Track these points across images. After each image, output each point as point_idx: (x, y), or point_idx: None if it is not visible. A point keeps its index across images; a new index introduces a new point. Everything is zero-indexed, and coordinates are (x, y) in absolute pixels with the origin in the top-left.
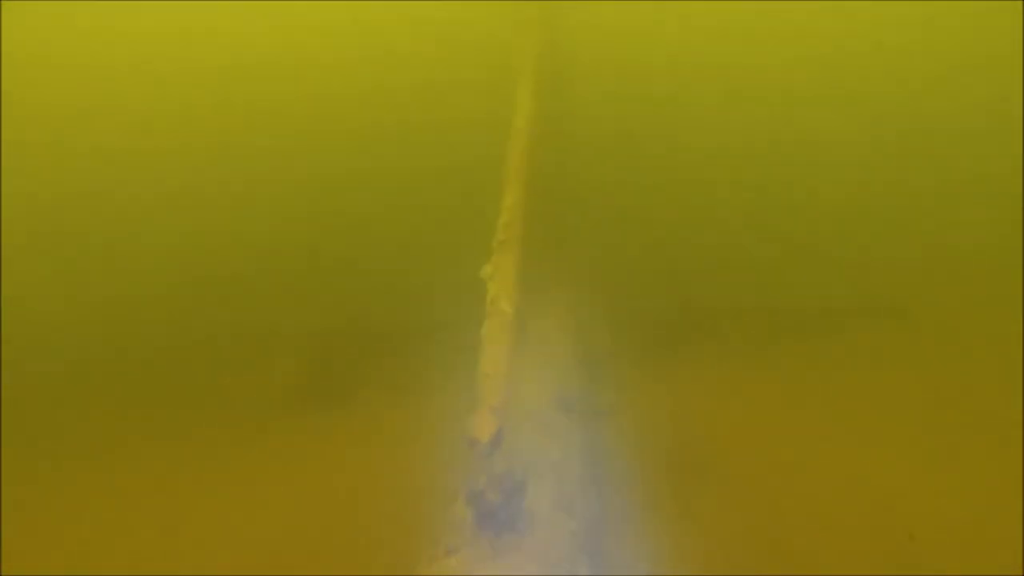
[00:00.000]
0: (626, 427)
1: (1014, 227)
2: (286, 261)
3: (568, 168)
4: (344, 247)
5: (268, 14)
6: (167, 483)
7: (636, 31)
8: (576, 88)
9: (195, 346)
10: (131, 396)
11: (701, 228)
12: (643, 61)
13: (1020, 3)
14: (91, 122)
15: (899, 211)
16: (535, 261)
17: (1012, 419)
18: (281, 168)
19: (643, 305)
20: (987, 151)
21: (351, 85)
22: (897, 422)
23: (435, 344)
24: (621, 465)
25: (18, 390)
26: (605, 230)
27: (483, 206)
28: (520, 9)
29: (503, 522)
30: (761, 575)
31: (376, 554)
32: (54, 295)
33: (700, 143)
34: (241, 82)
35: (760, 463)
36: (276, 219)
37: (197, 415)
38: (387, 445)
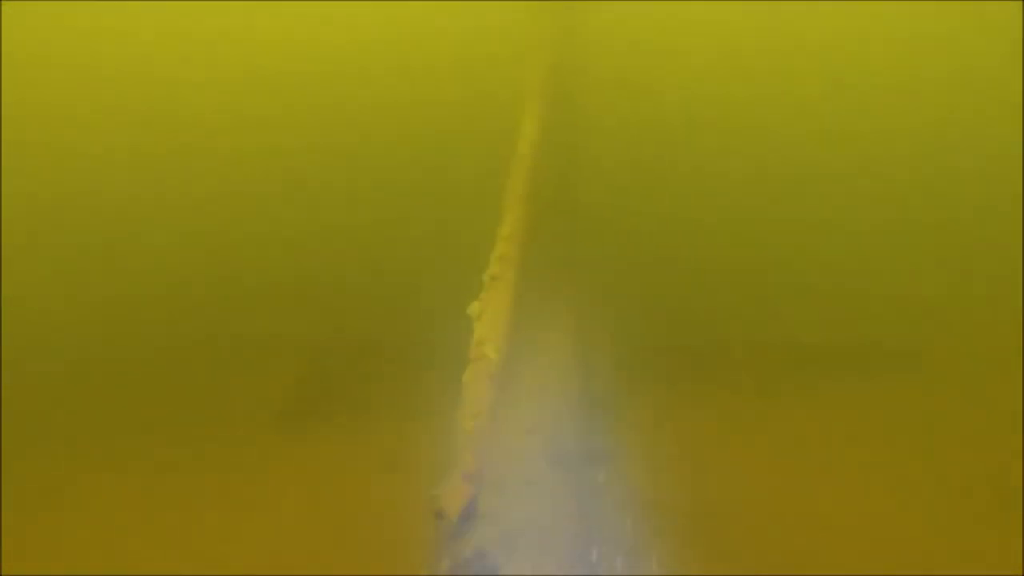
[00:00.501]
0: (625, 477)
1: None
2: (279, 274)
3: (572, 197)
4: (340, 261)
5: (271, 18)
6: (155, 492)
7: (651, 53)
8: (584, 113)
9: (186, 357)
10: (120, 407)
11: (712, 263)
12: (657, 86)
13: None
14: (90, 124)
15: (916, 250)
16: (531, 294)
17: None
18: (277, 178)
19: (647, 343)
20: (999, 193)
21: (355, 97)
22: (909, 469)
23: (430, 363)
24: (620, 525)
25: (11, 397)
26: (608, 264)
27: (483, 226)
28: (529, 29)
29: None
30: None
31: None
32: (42, 307)
33: (714, 173)
34: (242, 89)
35: (774, 517)
36: (270, 231)
37: (188, 426)
38: (377, 465)
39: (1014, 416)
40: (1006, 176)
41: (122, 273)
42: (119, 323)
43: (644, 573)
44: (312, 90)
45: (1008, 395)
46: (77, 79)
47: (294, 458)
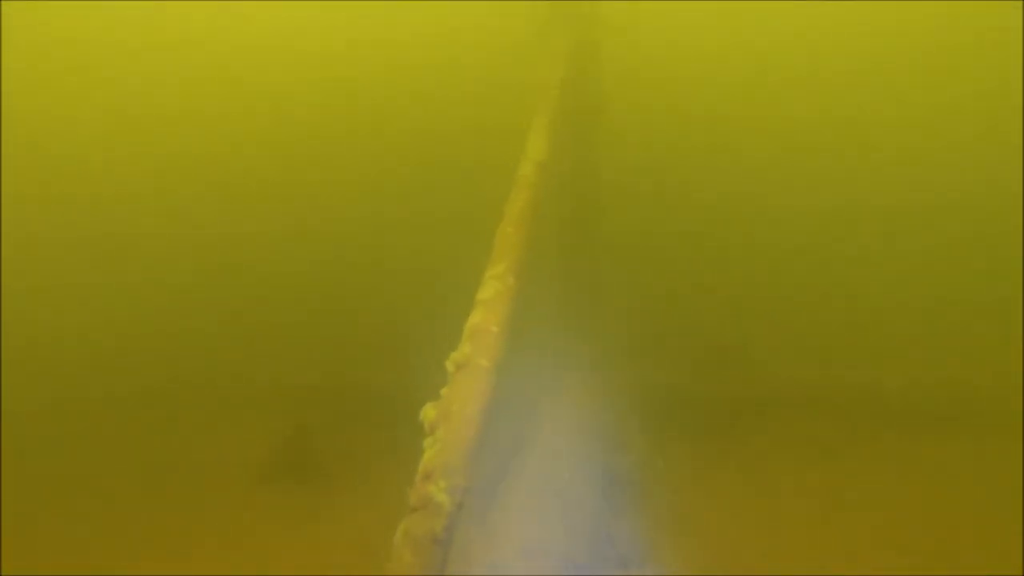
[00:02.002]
0: (651, 546)
1: None
2: (268, 321)
3: (583, 231)
4: (333, 307)
5: (278, 24)
6: (140, 550)
7: (679, 60)
8: (599, 128)
9: (172, 407)
10: (103, 460)
11: (747, 302)
12: (685, 98)
13: None
14: (85, 139)
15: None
16: (531, 345)
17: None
18: (267, 221)
19: (673, 393)
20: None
21: (349, 126)
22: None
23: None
24: None
25: None
26: (628, 305)
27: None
28: (537, 34)
29: None
30: None
31: None
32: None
33: (751, 200)
34: (239, 119)
35: None
36: (261, 276)
37: (173, 482)
38: (364, 525)
39: None
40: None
41: (101, 317)
42: (98, 369)
43: None
44: (306, 123)
45: None
46: (77, 81)
47: (286, 514)
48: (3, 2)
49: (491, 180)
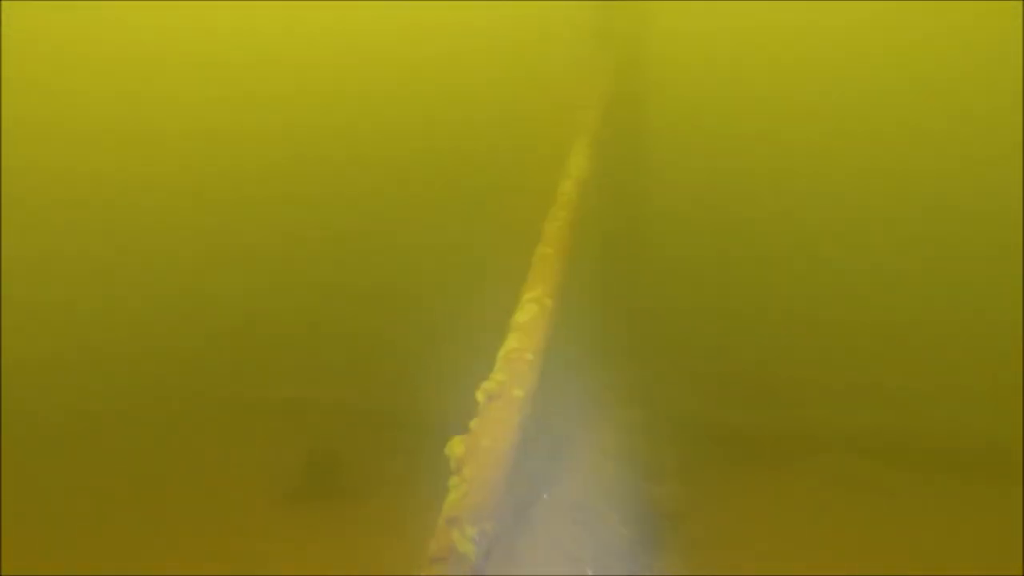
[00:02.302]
0: None
1: None
2: (289, 335)
3: (624, 250)
4: (356, 323)
5: (285, 24)
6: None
7: (723, 86)
8: (643, 152)
9: (186, 423)
10: (113, 477)
11: (803, 332)
12: (730, 122)
13: None
14: (86, 146)
15: None
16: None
17: None
18: (287, 230)
19: (716, 423)
20: None
21: (385, 140)
22: None
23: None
24: None
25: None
26: (662, 324)
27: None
28: (586, 57)
29: None
30: None
31: None
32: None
33: (808, 226)
34: (249, 139)
35: None
36: (279, 287)
37: (187, 503)
38: (392, 546)
39: None
40: None
41: (116, 328)
42: (113, 382)
43: None
44: (331, 136)
45: None
46: (79, 81)
47: (304, 538)
48: (3, 1)
49: (530, 198)
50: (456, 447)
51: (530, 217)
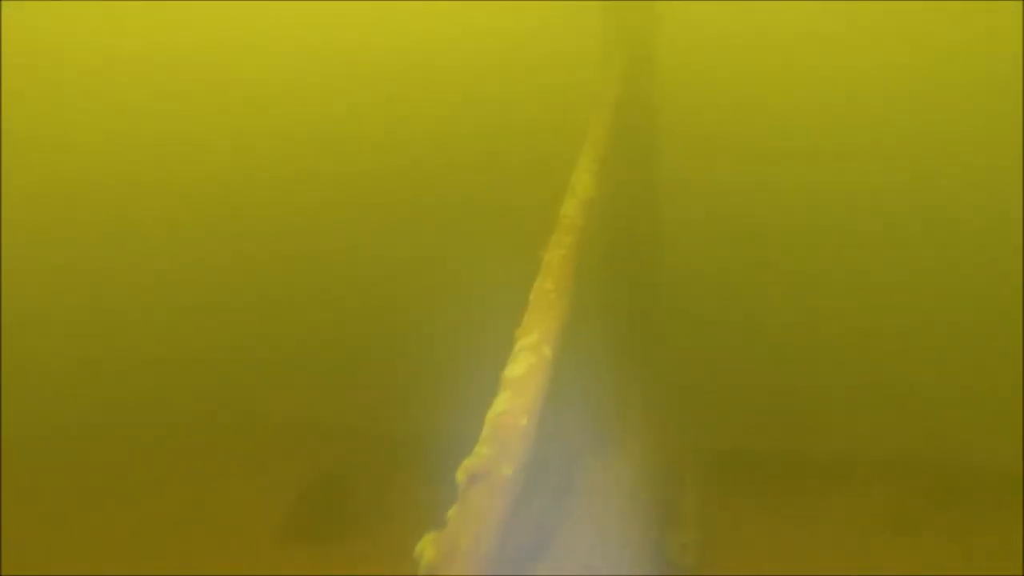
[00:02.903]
0: None
1: None
2: (292, 357)
3: (636, 279)
4: (358, 343)
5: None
6: None
7: (742, 94)
8: (657, 167)
9: (185, 447)
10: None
11: (832, 358)
12: (752, 133)
13: None
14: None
15: None
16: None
17: None
18: (291, 243)
19: (733, 453)
20: None
21: (373, 154)
22: None
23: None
24: None
25: None
26: (679, 359)
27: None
28: (591, 62)
29: None
30: None
31: None
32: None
33: (825, 246)
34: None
35: None
36: (284, 304)
37: (184, 535)
38: None
39: None
40: None
41: (104, 346)
42: (103, 405)
43: None
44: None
45: None
46: (80, 83)
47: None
48: (3, 1)
49: (528, 221)
50: (427, 549)
51: (528, 244)
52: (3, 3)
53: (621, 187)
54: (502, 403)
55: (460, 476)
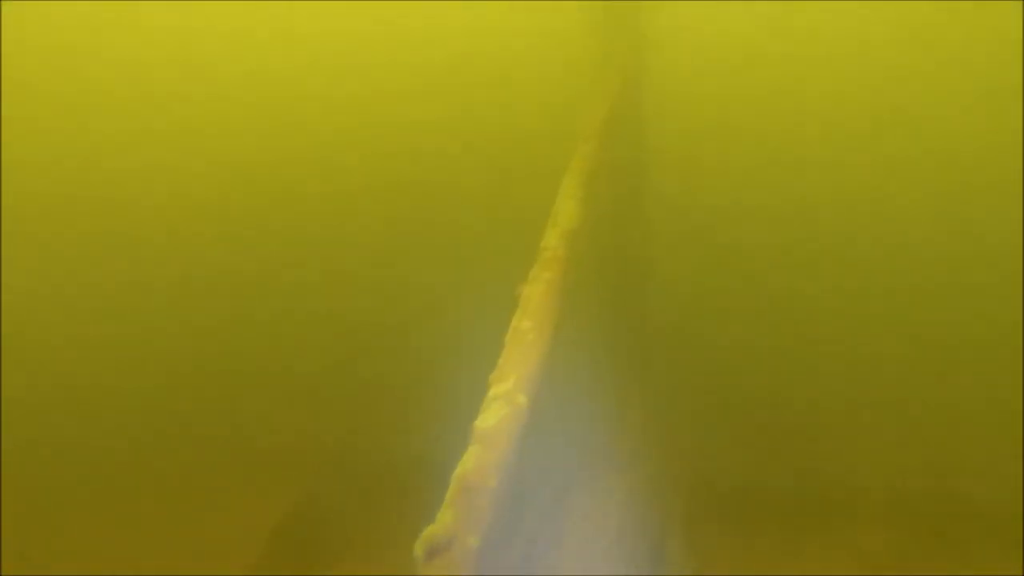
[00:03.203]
0: None
1: None
2: (277, 377)
3: (625, 305)
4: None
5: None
6: None
7: (733, 113)
8: (645, 195)
9: (164, 471)
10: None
11: (825, 374)
12: (747, 155)
13: None
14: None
15: None
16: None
17: None
18: (280, 263)
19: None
20: None
21: (348, 176)
22: None
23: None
24: None
25: None
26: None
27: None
28: (575, 83)
29: None
30: None
31: None
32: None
33: (818, 277)
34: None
35: None
36: (267, 324)
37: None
38: None
39: None
40: None
41: (86, 364)
42: (81, 424)
43: None
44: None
45: None
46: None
47: None
48: (3, 1)
49: (507, 253)
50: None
51: (505, 279)
52: (3, 3)
53: (608, 217)
54: (470, 460)
55: (418, 549)
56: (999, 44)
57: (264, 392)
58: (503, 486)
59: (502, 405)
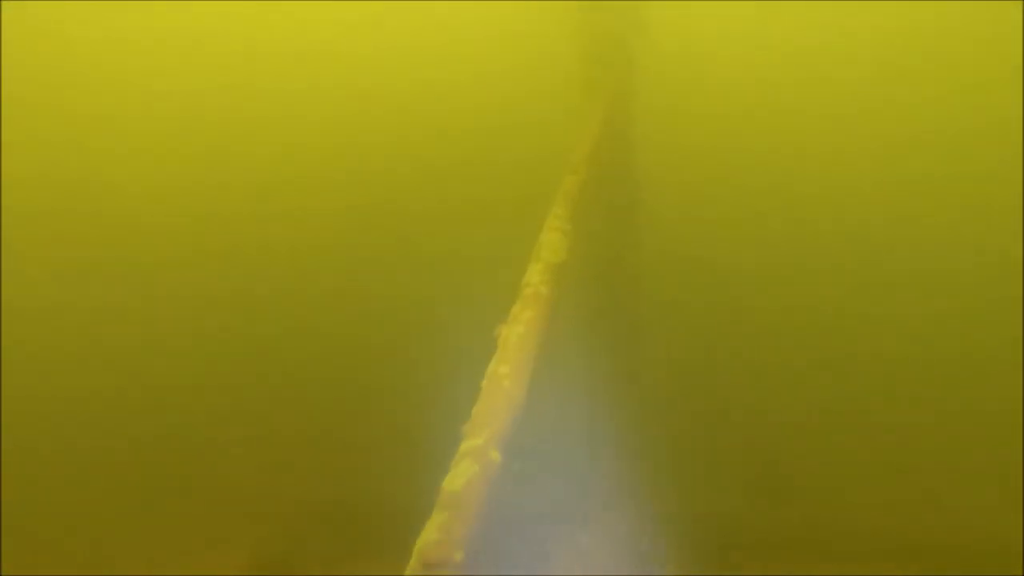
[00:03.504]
0: None
1: None
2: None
3: (610, 360)
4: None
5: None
6: None
7: (725, 135)
8: (634, 226)
9: (137, 517)
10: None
11: (817, 414)
12: (740, 178)
13: None
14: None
15: None
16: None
17: None
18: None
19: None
20: None
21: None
22: None
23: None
24: None
25: None
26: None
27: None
28: (565, 109)
29: None
30: None
31: None
32: None
33: (811, 307)
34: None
35: None
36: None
37: None
38: None
39: None
40: None
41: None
42: (62, 471)
43: None
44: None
45: None
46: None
47: None
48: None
49: (488, 292)
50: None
51: (484, 319)
52: (3, 3)
53: (595, 249)
54: (433, 530)
55: None
56: (999, 44)
57: (236, 440)
58: (468, 559)
59: (471, 464)
